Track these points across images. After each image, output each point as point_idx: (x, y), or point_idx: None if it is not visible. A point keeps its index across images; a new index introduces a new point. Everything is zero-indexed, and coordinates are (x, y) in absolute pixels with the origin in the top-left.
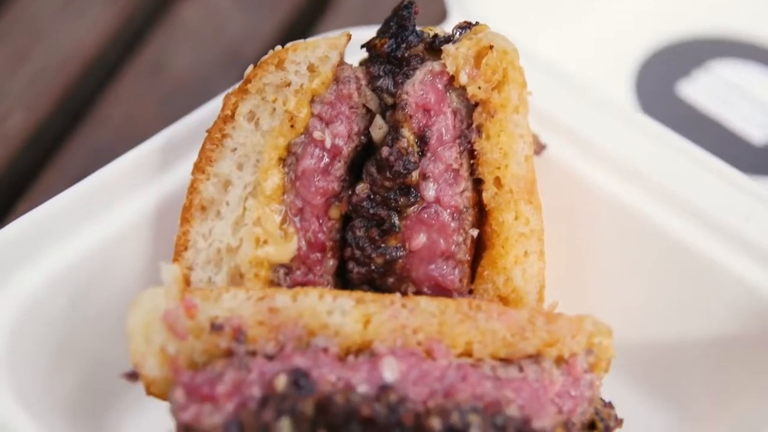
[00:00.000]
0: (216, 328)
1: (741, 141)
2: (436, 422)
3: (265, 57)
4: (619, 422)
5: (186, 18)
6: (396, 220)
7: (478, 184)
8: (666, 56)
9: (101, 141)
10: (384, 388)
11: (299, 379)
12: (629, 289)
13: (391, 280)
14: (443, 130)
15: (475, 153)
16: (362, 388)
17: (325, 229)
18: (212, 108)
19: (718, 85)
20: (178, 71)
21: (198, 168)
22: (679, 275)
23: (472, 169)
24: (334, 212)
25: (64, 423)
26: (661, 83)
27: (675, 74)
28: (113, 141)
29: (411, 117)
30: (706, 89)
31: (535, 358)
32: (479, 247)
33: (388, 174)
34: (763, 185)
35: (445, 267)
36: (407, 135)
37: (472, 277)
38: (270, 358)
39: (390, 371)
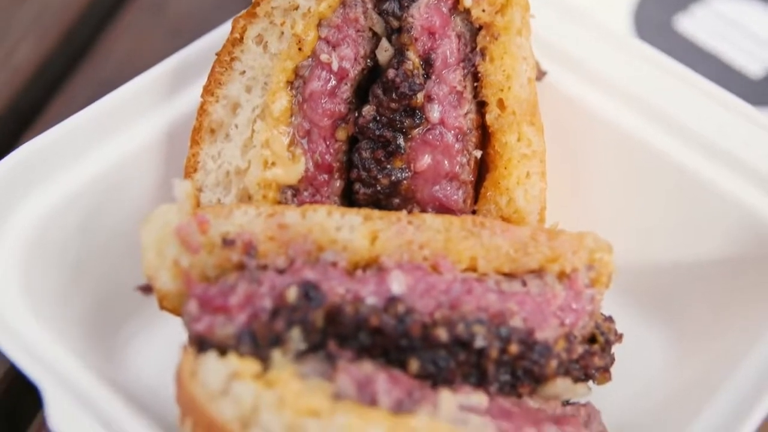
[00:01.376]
0: (228, 243)
1: (738, 74)
2: (442, 333)
3: None
4: (619, 337)
5: None
6: (401, 141)
7: (481, 106)
8: None
9: (107, 73)
10: (392, 300)
11: (309, 290)
12: (629, 211)
13: (396, 200)
14: (448, 53)
15: (479, 76)
16: (370, 300)
17: (332, 150)
18: (221, 33)
19: (716, 19)
20: (182, 7)
21: (207, 91)
22: (677, 198)
23: (476, 92)
24: (341, 134)
25: (79, 338)
26: (659, 17)
27: (673, 8)
28: (118, 73)
29: (416, 40)
30: (704, 24)
31: (538, 273)
32: (482, 169)
33: (393, 95)
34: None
35: (449, 188)
36: (412, 58)
37: (476, 198)
38: (280, 271)
39: (397, 284)
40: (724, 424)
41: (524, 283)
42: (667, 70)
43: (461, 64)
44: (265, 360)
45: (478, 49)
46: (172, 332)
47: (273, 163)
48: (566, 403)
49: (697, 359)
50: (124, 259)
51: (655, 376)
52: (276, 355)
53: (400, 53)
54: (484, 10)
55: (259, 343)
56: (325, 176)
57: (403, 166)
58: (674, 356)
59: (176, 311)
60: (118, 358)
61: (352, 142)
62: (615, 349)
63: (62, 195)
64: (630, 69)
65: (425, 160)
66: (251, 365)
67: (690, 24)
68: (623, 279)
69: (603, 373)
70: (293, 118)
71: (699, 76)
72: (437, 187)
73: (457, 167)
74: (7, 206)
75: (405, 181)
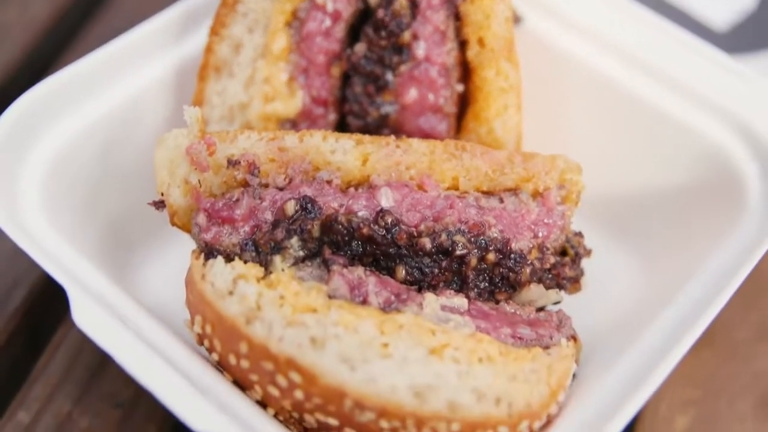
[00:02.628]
0: (232, 163)
1: (704, 28)
2: (426, 242)
3: None
4: (588, 252)
5: None
6: (390, 76)
7: (463, 44)
8: None
9: (119, 23)
10: (381, 212)
11: (307, 204)
12: (599, 144)
13: (385, 131)
14: None
15: (461, 16)
16: (362, 213)
17: (327, 86)
18: None
19: None
20: None
21: (213, 31)
22: (644, 131)
23: (458, 31)
24: (335, 71)
25: (96, 253)
26: None
27: None
28: (130, 24)
29: None
30: None
31: (514, 191)
32: (464, 102)
33: (383, 33)
34: None
35: (433, 119)
36: (400, 0)
37: (458, 129)
38: (280, 189)
39: (386, 199)
40: (677, 326)
41: (501, 200)
42: (637, 17)
43: (444, 6)
44: (266, 265)
45: None
46: (180, 253)
47: (273, 98)
48: (540, 309)
49: (660, 276)
50: (139, 183)
51: (621, 291)
52: (277, 260)
53: None
54: None
55: (261, 250)
56: (321, 110)
57: (392, 100)
58: (639, 274)
59: (185, 227)
60: (131, 273)
61: (346, 78)
62: (586, 267)
63: (82, 125)
64: (599, 15)
65: (412, 94)
66: (255, 269)
67: None
68: (593, 208)
69: (574, 283)
70: (291, 57)
71: (664, 21)
72: (423, 119)
73: (441, 100)
74: (32, 134)
75: (393, 114)
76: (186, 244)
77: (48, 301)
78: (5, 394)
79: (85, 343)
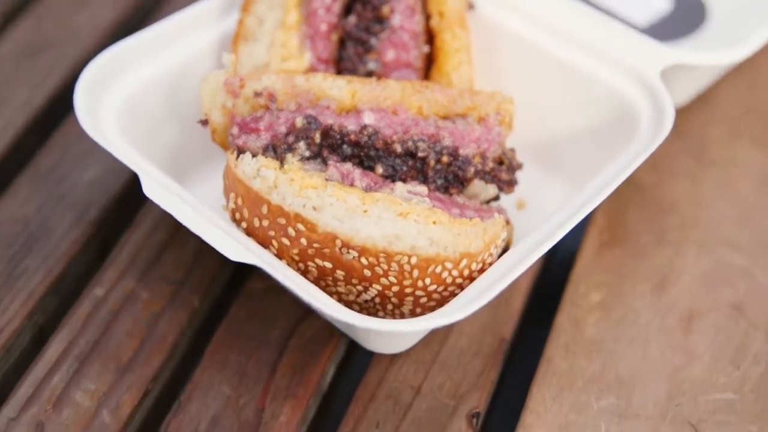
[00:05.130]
0: (257, 94)
1: (628, 23)
2: (397, 147)
3: None
4: (520, 165)
5: None
6: (374, 41)
7: (427, 17)
8: None
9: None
10: (365, 126)
11: (310, 120)
12: (531, 96)
13: None
14: None
15: None
16: (351, 126)
17: (327, 48)
18: None
19: None
20: None
21: (244, 8)
22: (567, 86)
23: (424, 6)
24: (334, 37)
25: (160, 163)
26: None
27: None
28: None
29: None
30: None
31: (462, 116)
32: (429, 60)
33: (368, 8)
34: None
35: (406, 73)
36: None
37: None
38: (292, 112)
39: (368, 118)
40: (574, 209)
41: (453, 122)
42: (569, 6)
43: None
44: (281, 161)
45: None
46: (218, 169)
47: (287, 58)
48: (486, 203)
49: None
50: (190, 116)
51: (551, 209)
52: (289, 157)
53: None
54: None
55: (278, 150)
56: (323, 67)
57: (375, 59)
58: (567, 192)
59: (222, 143)
60: (184, 179)
61: (341, 42)
62: (525, 194)
63: (149, 75)
64: (537, 3)
65: (390, 54)
66: (273, 162)
67: None
68: (529, 146)
69: (509, 186)
70: (301, 27)
71: (591, 9)
72: (398, 73)
73: (412, 58)
74: (111, 79)
75: (377, 69)
76: (221, 163)
77: (116, 217)
78: (86, 278)
79: (146, 241)
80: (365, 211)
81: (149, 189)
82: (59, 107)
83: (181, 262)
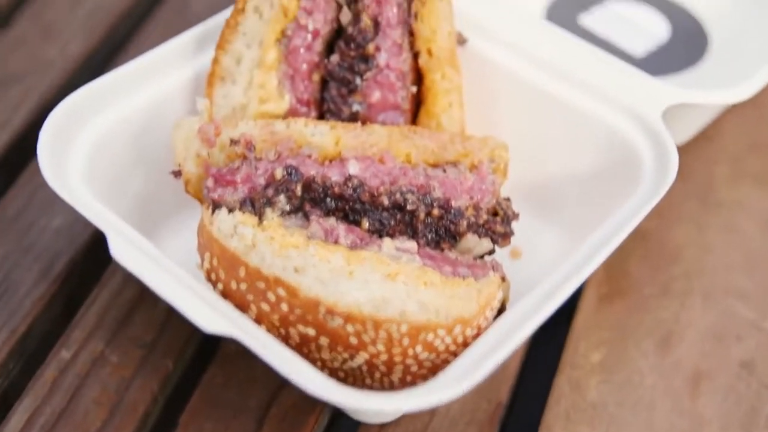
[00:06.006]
0: (234, 141)
1: (625, 54)
2: (385, 199)
3: None
4: (516, 215)
5: None
6: (358, 81)
7: (415, 55)
8: None
9: None
10: (349, 177)
11: (291, 171)
12: (527, 138)
13: None
14: (390, 17)
15: (413, 32)
16: (335, 177)
17: (308, 89)
18: (230, 8)
19: (610, 16)
20: (200, 6)
21: (219, 46)
22: (563, 126)
23: (411, 44)
24: (315, 77)
25: (128, 216)
26: (566, 16)
27: (577, 10)
28: None
29: (368, 7)
30: (601, 20)
31: (454, 163)
32: (417, 101)
33: (352, 46)
34: None
35: (393, 115)
36: (365, 19)
37: (413, 124)
38: (271, 162)
39: (353, 167)
40: (575, 265)
41: (444, 170)
42: (556, 36)
43: (400, 24)
44: (260, 216)
45: (413, 12)
46: (192, 219)
47: (266, 100)
48: (478, 258)
49: (579, 239)
50: (161, 163)
51: (550, 255)
52: (268, 212)
53: (356, 17)
54: None
55: (256, 205)
56: (305, 109)
57: (360, 100)
58: (564, 241)
59: (197, 195)
60: (155, 231)
61: (324, 82)
62: (520, 242)
63: (118, 118)
64: (527, 36)
65: (376, 95)
66: (251, 218)
67: (590, 20)
68: (524, 190)
69: (504, 239)
70: (281, 66)
71: (587, 44)
72: (385, 115)
73: (399, 99)
74: (78, 125)
75: (362, 111)
76: (196, 214)
77: (83, 271)
78: (51, 338)
79: (114, 299)
80: (351, 273)
81: (116, 250)
82: (27, 145)
83: (152, 322)
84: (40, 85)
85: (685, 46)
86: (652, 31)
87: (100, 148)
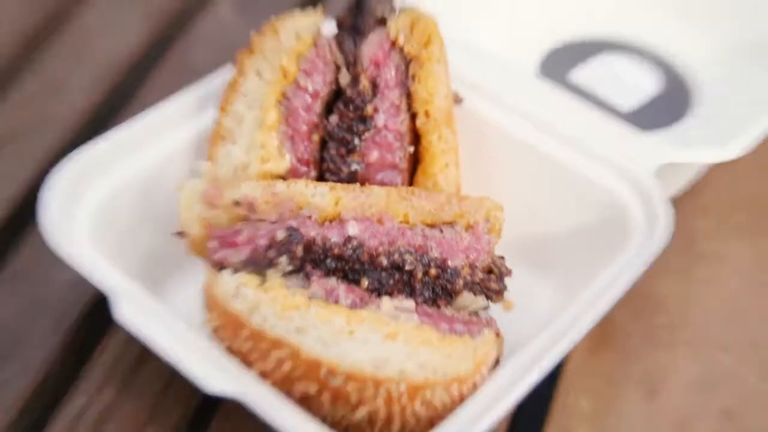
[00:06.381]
0: (236, 203)
1: (613, 109)
2: (383, 260)
3: (263, 27)
4: (509, 272)
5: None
6: (357, 141)
7: (413, 116)
8: (564, 52)
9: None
10: (349, 238)
11: (292, 232)
12: (521, 195)
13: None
14: (388, 78)
15: (410, 93)
16: (334, 239)
17: (308, 149)
18: (231, 69)
19: (601, 70)
20: (199, 64)
21: (221, 108)
22: (556, 184)
23: (409, 105)
24: (315, 137)
25: (134, 275)
26: (558, 71)
27: (570, 65)
28: None
29: (366, 69)
30: (592, 74)
31: (450, 224)
32: (414, 162)
33: (351, 107)
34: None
35: (391, 174)
36: (364, 82)
37: (410, 183)
38: (273, 222)
39: (352, 229)
40: (567, 324)
41: (441, 231)
42: (547, 94)
43: (398, 86)
44: (262, 276)
45: (410, 74)
46: (197, 276)
47: (267, 160)
48: (473, 314)
49: (570, 294)
50: (166, 222)
51: (543, 309)
52: (270, 273)
53: (355, 79)
54: (413, 46)
55: (258, 266)
56: (304, 168)
57: (359, 160)
58: (556, 295)
59: (201, 254)
60: (160, 289)
61: (323, 143)
62: (514, 296)
63: (122, 178)
64: (520, 94)
65: (374, 155)
66: (253, 279)
67: (581, 75)
68: (518, 246)
69: (498, 295)
70: (281, 127)
71: (580, 100)
72: (383, 174)
73: (397, 159)
74: (83, 185)
75: (360, 170)
76: (200, 271)
77: (95, 320)
78: (65, 387)
79: (125, 349)
80: (351, 332)
81: (120, 313)
82: (33, 201)
83: (162, 370)
84: (46, 140)
85: (674, 101)
86: (642, 85)
87: (105, 208)
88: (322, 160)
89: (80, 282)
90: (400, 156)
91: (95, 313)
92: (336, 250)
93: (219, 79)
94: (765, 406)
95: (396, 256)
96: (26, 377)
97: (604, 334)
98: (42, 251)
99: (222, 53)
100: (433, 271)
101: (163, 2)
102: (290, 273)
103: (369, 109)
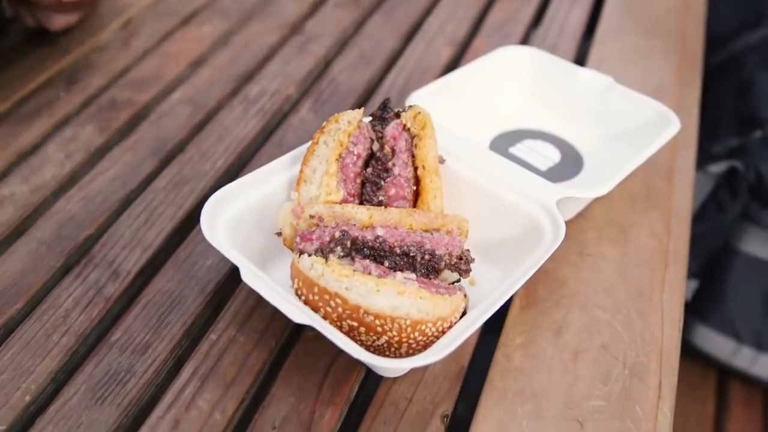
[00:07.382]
0: (312, 216)
1: (534, 169)
2: (397, 250)
3: (330, 119)
4: (473, 260)
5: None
6: (382, 182)
7: (415, 168)
8: (505, 136)
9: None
10: (377, 237)
11: (344, 233)
12: (478, 215)
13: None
14: (401, 147)
15: (414, 155)
16: (369, 237)
17: (354, 188)
18: (310, 142)
19: (527, 148)
20: (292, 142)
21: (303, 162)
22: (497, 210)
23: (413, 162)
24: (358, 180)
25: (251, 259)
26: (502, 147)
27: (509, 144)
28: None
29: (388, 142)
30: (522, 149)
31: (437, 230)
32: (416, 195)
33: (379, 164)
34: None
35: (403, 204)
36: (387, 148)
37: (414, 206)
38: (333, 228)
39: (380, 231)
40: (499, 293)
41: (431, 234)
42: (500, 161)
43: (407, 151)
44: (326, 258)
45: (414, 144)
46: (288, 260)
47: (329, 193)
48: (452, 284)
49: (505, 278)
50: (270, 228)
51: (490, 285)
52: (331, 256)
53: (382, 147)
54: (415, 128)
55: (324, 252)
56: (351, 199)
57: (383, 194)
58: (499, 276)
59: (290, 247)
60: (267, 267)
61: (363, 184)
62: (474, 275)
63: (244, 205)
64: (480, 159)
65: (393, 191)
66: (321, 259)
67: (515, 149)
68: (477, 244)
69: (466, 273)
70: (338, 174)
71: (514, 163)
72: (398, 203)
73: (406, 194)
74: (220, 208)
75: (384, 200)
76: (289, 256)
77: (225, 288)
78: (205, 327)
79: (243, 304)
80: (378, 290)
81: (245, 277)
82: (193, 218)
83: (264, 317)
84: (201, 184)
85: (569, 165)
86: (551, 156)
87: (235, 220)
88: (362, 194)
89: (217, 265)
90: (408, 192)
91: (224, 285)
92: (369, 244)
93: (302, 148)
94: (625, 341)
95: (405, 248)
96: (183, 321)
97: (530, 299)
98: (195, 248)
99: (304, 136)
100: (426, 257)
101: (266, 105)
102: (342, 256)
103: (390, 164)
